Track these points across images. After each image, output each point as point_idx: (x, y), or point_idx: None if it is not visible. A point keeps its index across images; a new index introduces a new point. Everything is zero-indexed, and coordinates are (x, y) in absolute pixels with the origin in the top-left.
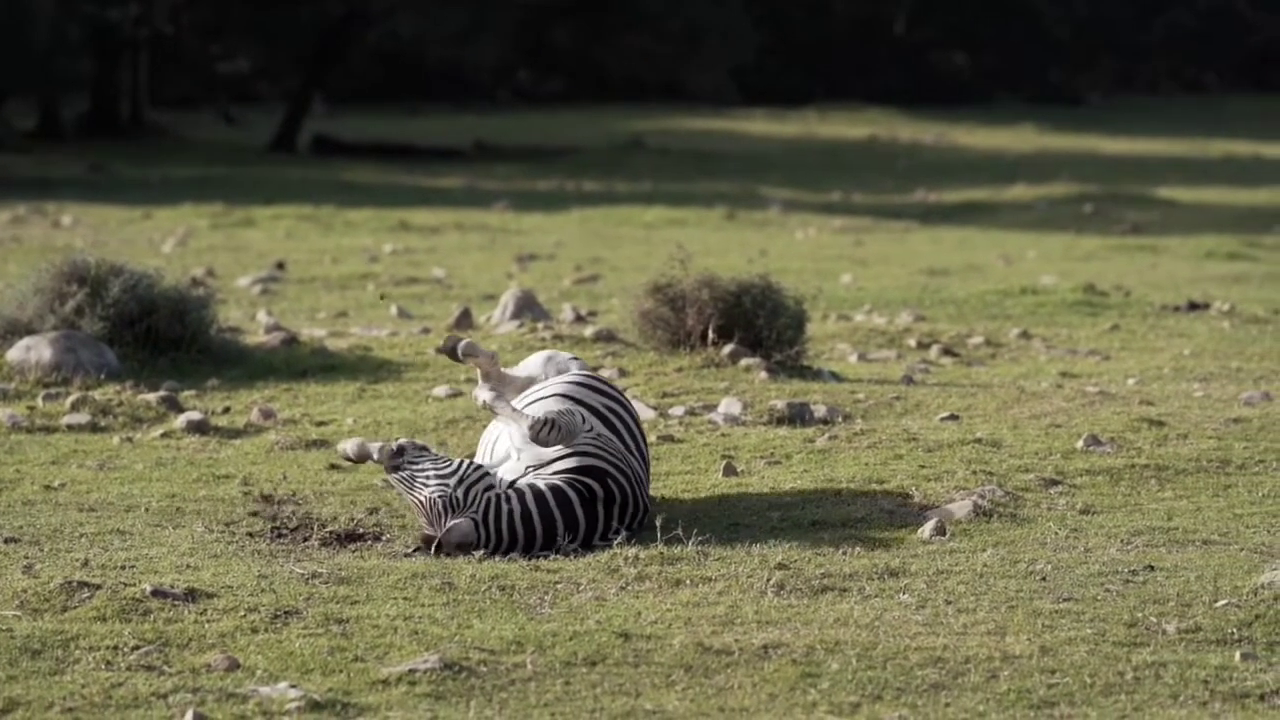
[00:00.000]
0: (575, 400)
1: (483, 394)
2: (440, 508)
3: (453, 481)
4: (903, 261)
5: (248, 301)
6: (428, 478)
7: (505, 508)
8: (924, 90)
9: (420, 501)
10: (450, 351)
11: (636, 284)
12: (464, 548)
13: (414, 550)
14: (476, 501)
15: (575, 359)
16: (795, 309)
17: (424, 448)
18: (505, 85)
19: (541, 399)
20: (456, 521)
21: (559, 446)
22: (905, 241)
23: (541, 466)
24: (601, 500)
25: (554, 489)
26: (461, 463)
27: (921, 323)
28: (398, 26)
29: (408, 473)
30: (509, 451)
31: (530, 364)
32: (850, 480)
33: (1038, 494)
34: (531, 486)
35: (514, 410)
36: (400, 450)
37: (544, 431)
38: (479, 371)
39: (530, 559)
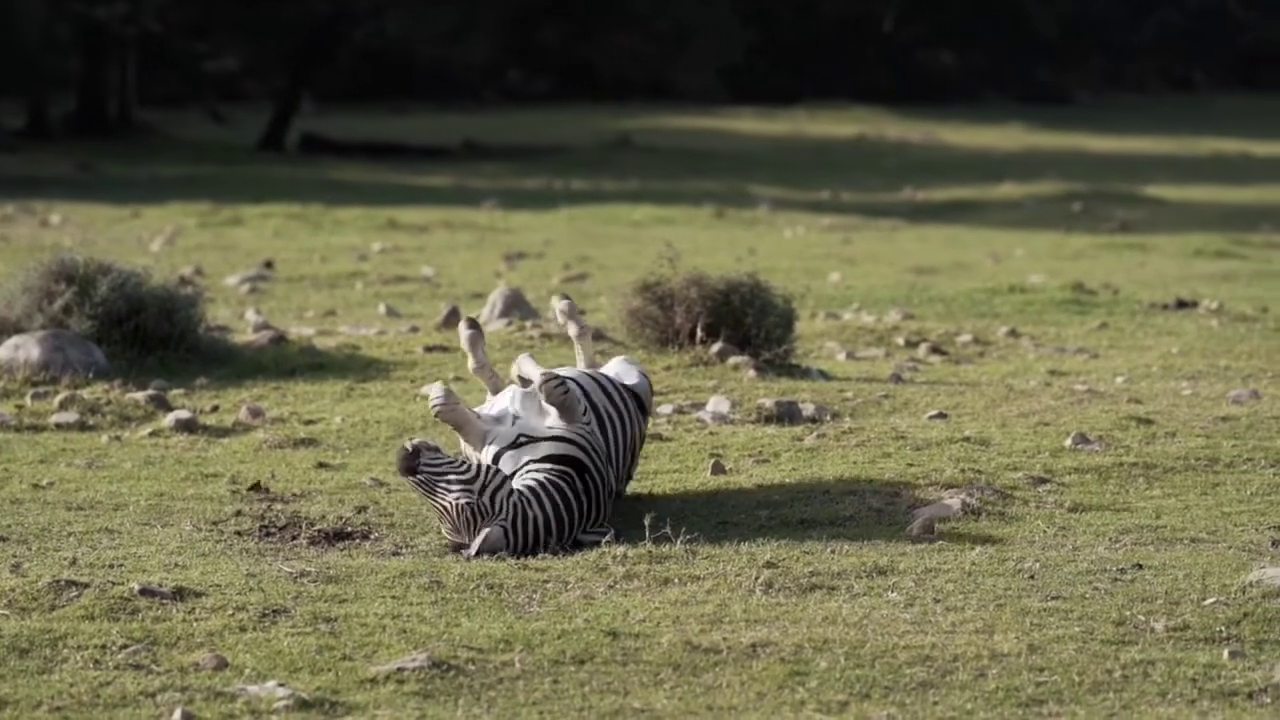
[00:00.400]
0: (585, 390)
1: (522, 355)
2: (470, 514)
3: (476, 487)
4: (891, 260)
5: (236, 300)
6: (449, 483)
7: (530, 513)
8: (912, 89)
9: (446, 507)
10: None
11: (625, 282)
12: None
13: (446, 555)
14: (503, 507)
15: (645, 374)
16: (783, 307)
17: (436, 448)
18: (493, 84)
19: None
20: (488, 530)
21: (551, 424)
22: (893, 240)
23: (531, 441)
24: (582, 492)
25: (556, 488)
26: (478, 466)
27: (910, 321)
28: (385, 25)
29: (425, 476)
30: (504, 413)
31: (611, 365)
32: (838, 479)
33: (1026, 492)
34: (542, 487)
35: (535, 365)
36: (416, 451)
37: (552, 385)
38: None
39: (519, 558)
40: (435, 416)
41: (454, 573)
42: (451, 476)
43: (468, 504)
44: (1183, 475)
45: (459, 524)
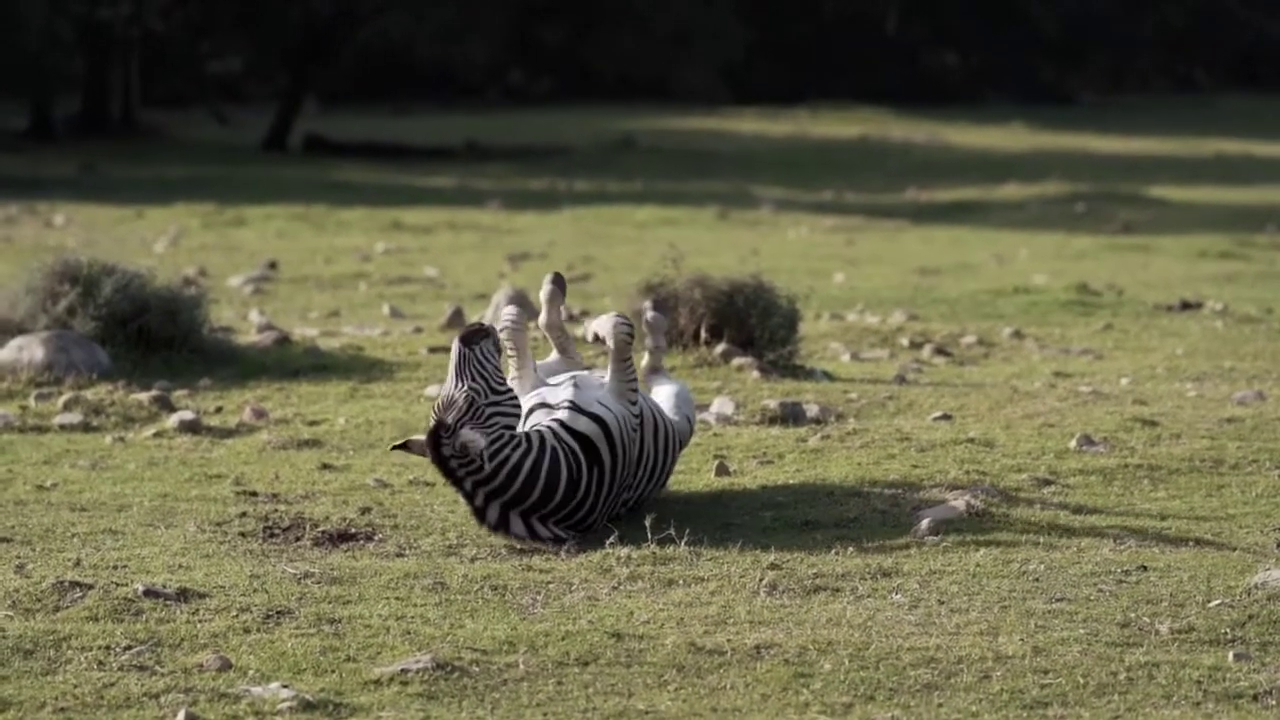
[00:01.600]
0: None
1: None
2: (464, 403)
3: (486, 400)
4: (895, 261)
5: (240, 301)
6: (483, 375)
7: (512, 457)
8: (915, 89)
9: (459, 386)
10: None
11: (629, 283)
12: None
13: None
14: (494, 430)
15: (688, 416)
16: (787, 308)
17: (500, 351)
18: (495, 84)
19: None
20: (477, 437)
21: (600, 398)
22: (897, 240)
23: (574, 410)
24: (579, 480)
25: (555, 457)
26: (518, 402)
27: (914, 322)
28: (387, 25)
29: (477, 356)
30: (563, 380)
31: (663, 392)
32: (843, 480)
33: (1031, 494)
34: (546, 444)
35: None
36: (488, 332)
37: (621, 325)
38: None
39: (522, 559)
40: (502, 333)
41: (458, 574)
42: (489, 372)
43: (470, 392)
44: (1188, 477)
45: (445, 402)
